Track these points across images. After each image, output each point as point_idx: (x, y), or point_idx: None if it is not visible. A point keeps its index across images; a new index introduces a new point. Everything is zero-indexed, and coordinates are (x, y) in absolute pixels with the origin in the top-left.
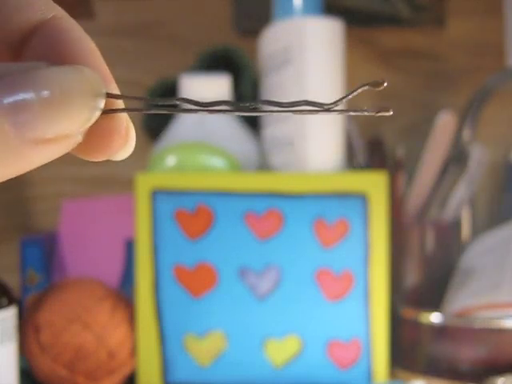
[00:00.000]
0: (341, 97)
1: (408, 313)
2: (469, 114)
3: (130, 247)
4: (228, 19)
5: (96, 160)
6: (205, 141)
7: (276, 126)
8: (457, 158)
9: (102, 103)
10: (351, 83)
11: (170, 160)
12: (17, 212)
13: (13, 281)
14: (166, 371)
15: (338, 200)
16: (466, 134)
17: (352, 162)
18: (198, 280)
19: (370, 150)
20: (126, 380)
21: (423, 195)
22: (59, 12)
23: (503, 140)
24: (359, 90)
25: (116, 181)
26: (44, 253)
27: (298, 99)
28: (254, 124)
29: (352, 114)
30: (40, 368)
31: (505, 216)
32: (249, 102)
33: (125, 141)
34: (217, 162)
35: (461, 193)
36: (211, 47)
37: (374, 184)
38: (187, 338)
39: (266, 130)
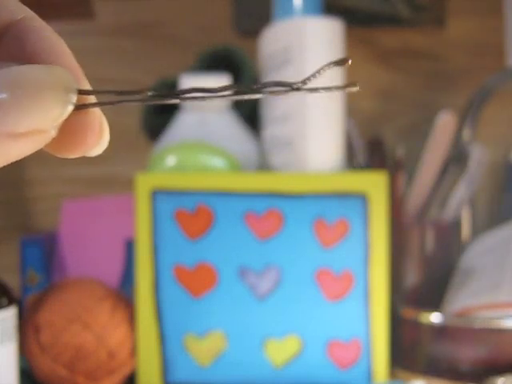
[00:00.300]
0: (309, 75)
1: (408, 313)
2: (469, 114)
3: (130, 247)
4: (228, 19)
5: (71, 157)
6: (205, 141)
7: (276, 126)
8: (457, 158)
9: (73, 98)
10: None
11: (170, 160)
12: (17, 212)
13: (13, 281)
14: (166, 371)
15: (338, 200)
16: (466, 134)
17: (352, 162)
18: (198, 280)
19: (370, 150)
20: (126, 380)
21: (423, 195)
22: (29, 13)
23: (503, 140)
24: (325, 68)
25: (116, 181)
26: (44, 253)
27: (296, 102)
28: (253, 124)
29: (321, 91)
30: (40, 368)
31: (505, 216)
32: (220, 87)
33: (99, 136)
34: (217, 162)
35: (461, 193)
36: (211, 47)
37: (374, 184)
38: (187, 338)
39: (265, 130)
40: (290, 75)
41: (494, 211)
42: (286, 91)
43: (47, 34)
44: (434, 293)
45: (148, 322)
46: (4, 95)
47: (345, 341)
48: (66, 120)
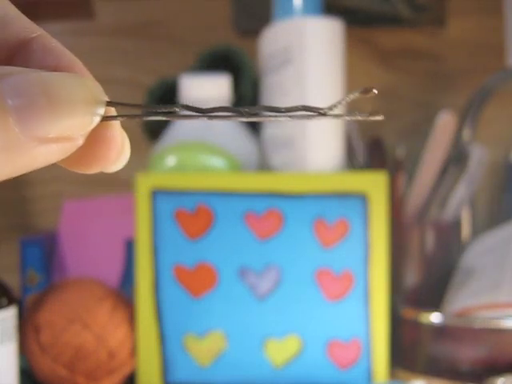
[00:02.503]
0: (336, 102)
1: (408, 313)
2: (469, 114)
3: (130, 247)
4: (228, 19)
5: (90, 172)
6: (205, 141)
7: (276, 126)
8: (457, 158)
9: (102, 109)
10: (351, 83)
11: (170, 160)
12: (17, 212)
13: (13, 281)
14: (166, 371)
15: (338, 200)
16: (466, 133)
17: (352, 162)
18: (198, 280)
19: (369, 150)
20: (126, 380)
21: (423, 195)
22: (43, 32)
23: (503, 140)
24: (352, 97)
25: (116, 181)
26: (44, 253)
27: (296, 102)
28: (253, 124)
29: (346, 118)
30: (40, 368)
31: (505, 216)
32: (247, 107)
33: (121, 151)
34: (217, 162)
35: (461, 193)
36: (211, 47)
37: (374, 184)
38: (187, 338)
39: (265, 130)
40: (290, 75)
41: (494, 211)
42: (312, 116)
43: (65, 51)
44: (433, 293)
45: (148, 322)
46: (37, 97)
47: (345, 341)
48: (91, 131)
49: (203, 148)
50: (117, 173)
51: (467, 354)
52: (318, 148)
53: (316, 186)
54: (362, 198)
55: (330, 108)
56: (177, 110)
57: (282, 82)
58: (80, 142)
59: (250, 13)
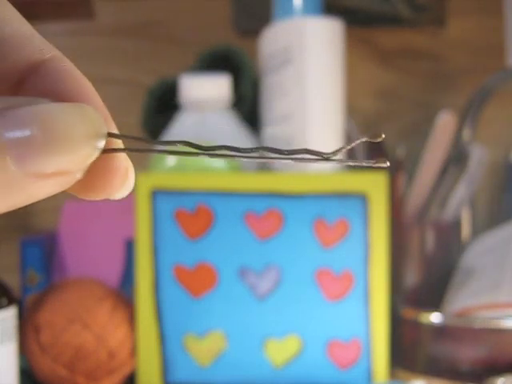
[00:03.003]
0: (340, 147)
1: (408, 313)
2: (469, 113)
3: (130, 247)
4: (228, 19)
5: (94, 199)
6: (205, 141)
7: (276, 125)
8: (457, 158)
9: (102, 142)
10: (351, 83)
11: (170, 160)
12: (17, 212)
13: (13, 281)
14: (166, 371)
15: (338, 200)
16: (466, 133)
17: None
18: (198, 280)
19: (369, 150)
20: (126, 380)
21: (423, 195)
22: (57, 53)
23: (503, 140)
24: (358, 142)
25: None
26: (44, 253)
27: (296, 102)
28: (253, 124)
29: (351, 164)
30: (40, 368)
31: (505, 216)
32: (249, 147)
33: (124, 181)
34: (217, 162)
35: (461, 193)
36: (211, 47)
37: (374, 184)
38: (187, 338)
39: (265, 129)
40: (290, 75)
41: (494, 211)
42: (315, 160)
43: (76, 75)
44: (433, 293)
45: (148, 322)
46: (34, 132)
47: (345, 341)
48: (93, 162)
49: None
50: None
51: (467, 354)
52: (318, 148)
53: (316, 186)
54: (361, 198)
55: (334, 153)
56: (178, 145)
57: (282, 82)
58: (79, 175)
59: (250, 13)
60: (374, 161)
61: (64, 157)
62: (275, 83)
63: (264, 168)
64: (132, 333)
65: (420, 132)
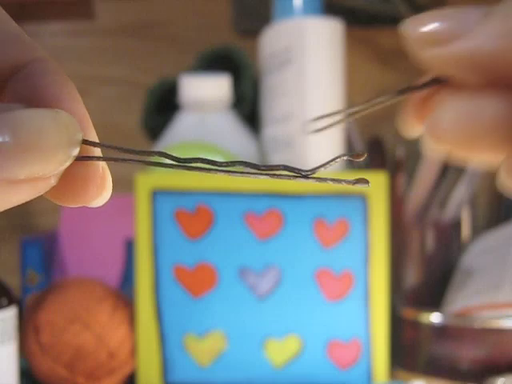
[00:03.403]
0: (319, 165)
1: (408, 313)
2: None
3: (130, 247)
4: (228, 19)
5: (71, 206)
6: (205, 141)
7: (276, 126)
8: None
9: (76, 149)
10: (351, 83)
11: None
12: (17, 212)
13: (13, 281)
14: (166, 371)
15: (338, 200)
16: None
17: (352, 162)
18: (198, 280)
19: (370, 150)
20: (126, 380)
21: (423, 195)
22: (41, 54)
23: None
24: (338, 160)
25: (116, 181)
26: (44, 253)
27: (296, 102)
28: (253, 124)
29: (329, 182)
30: (40, 368)
31: (505, 216)
32: (225, 161)
33: (100, 189)
34: None
35: (461, 193)
36: (211, 47)
37: (374, 184)
38: (187, 338)
39: (265, 129)
40: (290, 75)
41: (494, 211)
42: (293, 177)
43: (58, 78)
44: (433, 293)
45: (148, 322)
46: (6, 140)
47: (345, 341)
48: (68, 169)
49: (203, 148)
50: (117, 173)
51: (467, 353)
52: (318, 148)
53: (316, 186)
54: (361, 198)
55: (313, 170)
56: (155, 156)
57: (282, 81)
58: (53, 181)
59: (250, 13)
60: (354, 180)
61: (36, 164)
62: (275, 83)
63: None
64: (132, 333)
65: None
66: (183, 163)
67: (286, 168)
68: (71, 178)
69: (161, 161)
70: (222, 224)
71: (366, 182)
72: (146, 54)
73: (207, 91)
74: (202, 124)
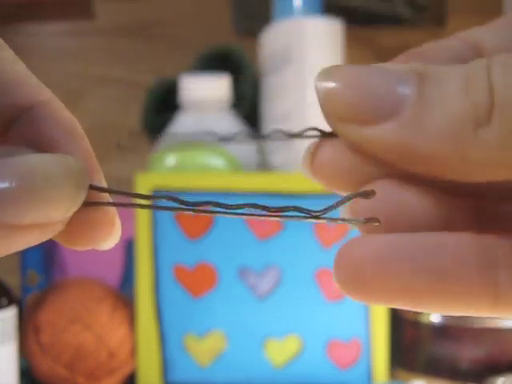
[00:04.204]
0: (330, 205)
1: (408, 313)
2: None
3: (130, 247)
4: (228, 19)
5: (79, 249)
6: (205, 142)
7: (276, 125)
8: None
9: (83, 195)
10: None
11: (170, 160)
12: None
13: (13, 281)
14: (166, 371)
15: (338, 200)
16: None
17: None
18: (198, 280)
19: None
20: (126, 380)
21: None
22: (48, 95)
23: None
24: (350, 201)
25: (116, 181)
26: (44, 253)
27: (296, 102)
28: (254, 124)
29: (340, 223)
30: (40, 368)
31: None
32: (235, 204)
33: (109, 233)
34: (217, 162)
35: None
36: (211, 47)
37: None
38: (187, 338)
39: (265, 129)
40: (290, 75)
41: None
42: (303, 217)
43: (66, 120)
44: None
45: (148, 322)
46: (11, 185)
47: (345, 341)
48: (76, 214)
49: (203, 148)
50: (117, 173)
51: (467, 353)
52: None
53: (316, 185)
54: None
55: (323, 211)
56: (163, 200)
57: (282, 81)
58: (59, 227)
59: (250, 13)
60: (365, 219)
61: (42, 209)
62: (275, 83)
63: (264, 168)
64: (132, 333)
65: None
66: (192, 207)
67: (296, 209)
68: (79, 223)
69: (169, 204)
70: (222, 224)
71: (376, 221)
72: (146, 54)
73: (207, 91)
74: (202, 124)
